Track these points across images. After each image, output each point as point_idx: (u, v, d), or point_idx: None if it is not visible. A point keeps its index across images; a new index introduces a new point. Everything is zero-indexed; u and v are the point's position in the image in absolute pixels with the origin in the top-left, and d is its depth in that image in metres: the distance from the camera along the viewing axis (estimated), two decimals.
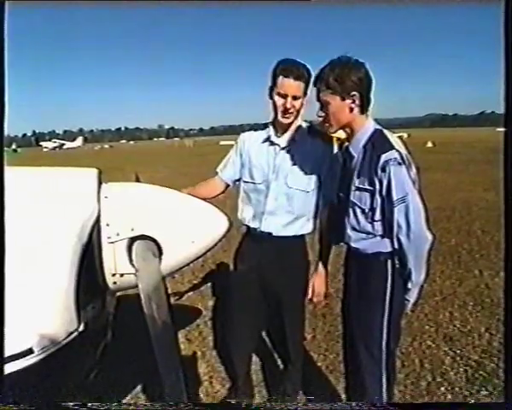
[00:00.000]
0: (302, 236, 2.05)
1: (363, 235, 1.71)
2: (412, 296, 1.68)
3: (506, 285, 1.43)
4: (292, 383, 2.26)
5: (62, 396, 1.40)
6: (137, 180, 1.86)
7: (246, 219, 2.08)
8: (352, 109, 1.66)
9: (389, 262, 1.67)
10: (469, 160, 16.67)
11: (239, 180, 2.12)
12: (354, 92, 1.63)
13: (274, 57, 1.93)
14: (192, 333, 3.24)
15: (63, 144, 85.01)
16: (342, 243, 1.84)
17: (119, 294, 1.78)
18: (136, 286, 1.47)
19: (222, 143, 40.36)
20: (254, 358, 2.54)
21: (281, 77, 1.84)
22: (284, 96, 1.86)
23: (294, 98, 1.86)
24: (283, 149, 1.99)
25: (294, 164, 1.96)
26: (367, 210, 1.67)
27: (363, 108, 1.68)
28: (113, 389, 2.34)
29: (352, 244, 1.76)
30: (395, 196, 1.57)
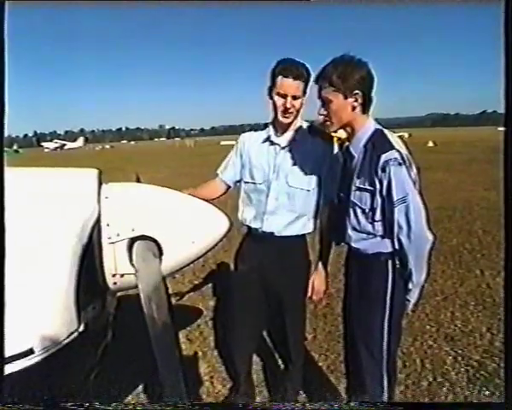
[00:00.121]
0: (303, 236, 2.05)
1: (364, 235, 1.70)
2: (413, 297, 1.68)
3: (506, 285, 1.43)
4: (293, 383, 2.26)
5: (63, 396, 1.40)
6: (138, 181, 1.86)
7: (247, 220, 2.08)
8: (354, 108, 1.66)
9: (390, 262, 1.67)
10: (471, 159, 16.65)
11: (240, 181, 2.12)
12: (357, 91, 1.62)
13: (274, 57, 1.92)
14: (193, 333, 3.24)
15: (64, 145, 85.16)
16: (343, 243, 1.84)
17: (119, 294, 1.79)
18: (137, 286, 1.47)
19: (223, 143, 40.39)
20: (255, 358, 2.54)
21: (280, 77, 1.84)
22: (284, 96, 1.86)
23: (294, 98, 1.86)
24: (283, 148, 1.99)
25: (295, 163, 1.96)
26: (367, 210, 1.66)
27: (365, 108, 1.68)
28: (113, 389, 2.34)
29: (353, 244, 1.75)
30: (395, 197, 1.56)
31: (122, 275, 1.51)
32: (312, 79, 1.76)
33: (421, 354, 2.85)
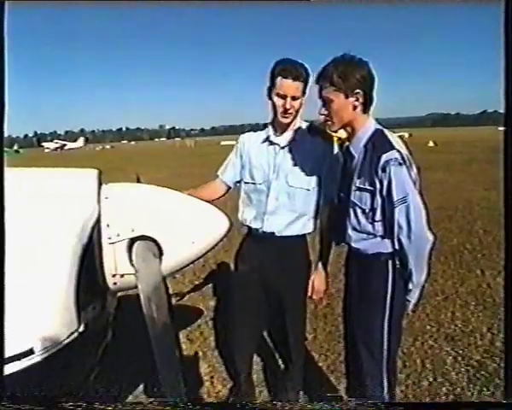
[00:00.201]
0: (304, 236, 2.05)
1: (364, 235, 1.70)
2: (413, 297, 1.67)
3: (506, 285, 1.43)
4: (293, 383, 2.26)
5: (63, 396, 1.40)
6: (138, 181, 1.86)
7: (247, 220, 2.08)
8: (355, 107, 1.66)
9: (390, 263, 1.66)
10: (471, 159, 16.64)
11: (240, 182, 2.12)
12: (358, 90, 1.62)
13: (274, 57, 1.93)
14: (193, 333, 3.24)
15: (65, 145, 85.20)
16: (343, 244, 1.84)
17: (119, 294, 1.79)
18: (137, 287, 1.47)
19: (223, 143, 40.40)
20: (255, 358, 2.54)
21: (279, 78, 1.85)
22: (283, 97, 1.87)
23: (293, 98, 1.87)
24: (283, 148, 1.99)
25: (295, 163, 1.97)
26: (367, 210, 1.66)
27: (366, 107, 1.68)
28: (113, 389, 2.34)
29: (353, 245, 1.75)
30: (396, 197, 1.56)
31: (122, 275, 1.51)
32: (313, 78, 1.76)
33: (421, 354, 2.85)
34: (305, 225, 2.02)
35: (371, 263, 1.70)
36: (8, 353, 1.26)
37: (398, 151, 1.58)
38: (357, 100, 1.65)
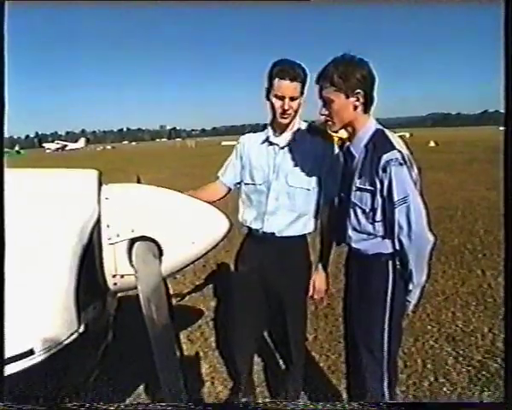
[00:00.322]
0: (304, 236, 2.05)
1: (364, 236, 1.70)
2: (413, 297, 1.67)
3: (506, 285, 1.42)
4: (293, 384, 2.26)
5: (63, 397, 1.40)
6: (139, 182, 1.86)
7: (247, 221, 2.09)
8: (355, 107, 1.66)
9: (390, 263, 1.66)
10: (472, 159, 16.62)
11: (240, 183, 2.13)
12: (358, 90, 1.62)
13: (275, 57, 1.93)
14: (194, 334, 3.24)
15: (66, 146, 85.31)
16: (343, 244, 1.84)
17: (119, 295, 1.79)
18: (137, 287, 1.47)
19: (224, 143, 40.38)
20: (256, 358, 2.54)
21: (277, 79, 1.85)
22: (282, 98, 1.87)
23: (292, 99, 1.87)
24: (283, 148, 1.99)
25: (294, 163, 1.97)
26: (368, 211, 1.66)
27: (367, 107, 1.68)
28: (113, 389, 2.34)
29: (353, 245, 1.75)
30: (396, 197, 1.56)
31: (122, 276, 1.51)
32: (313, 79, 1.76)
33: (422, 354, 2.85)
34: (305, 225, 2.02)
35: (371, 263, 1.70)
36: (8, 353, 1.26)
37: (399, 151, 1.58)
38: (358, 100, 1.64)
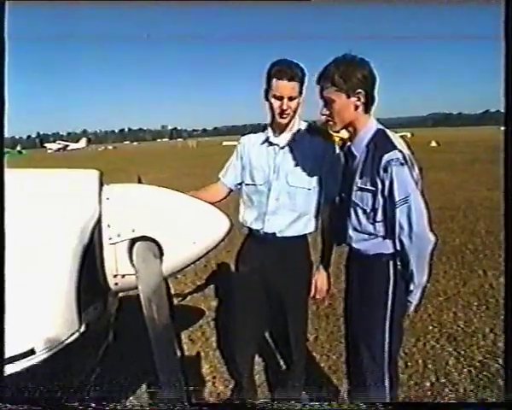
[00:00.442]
0: (305, 236, 2.05)
1: (365, 236, 1.70)
2: (414, 298, 1.67)
3: (506, 285, 1.42)
4: (294, 384, 2.26)
5: (63, 397, 1.40)
6: (139, 182, 1.86)
7: (248, 222, 2.09)
8: (356, 107, 1.65)
9: (391, 263, 1.66)
10: (473, 159, 16.59)
11: (241, 184, 2.13)
12: (359, 90, 1.62)
13: (276, 57, 1.93)
14: (195, 334, 3.24)
15: (67, 146, 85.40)
16: (344, 244, 1.84)
17: (120, 295, 1.79)
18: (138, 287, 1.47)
19: (225, 143, 40.39)
20: (257, 358, 2.54)
21: (275, 79, 1.86)
22: (280, 98, 1.88)
23: (290, 99, 1.88)
24: (282, 148, 2.00)
25: (294, 162, 1.97)
26: (369, 211, 1.66)
27: (368, 107, 1.68)
28: (114, 389, 2.34)
29: (354, 245, 1.75)
30: (397, 197, 1.56)
31: (123, 276, 1.51)
32: (314, 79, 1.76)
33: (423, 354, 2.84)
34: (306, 225, 2.02)
35: (372, 264, 1.70)
36: (9, 353, 1.26)
37: (400, 151, 1.58)
38: (359, 100, 1.64)
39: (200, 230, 1.56)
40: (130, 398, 2.36)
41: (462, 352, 2.85)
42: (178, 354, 1.52)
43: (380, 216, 1.64)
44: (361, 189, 1.67)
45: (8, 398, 1.32)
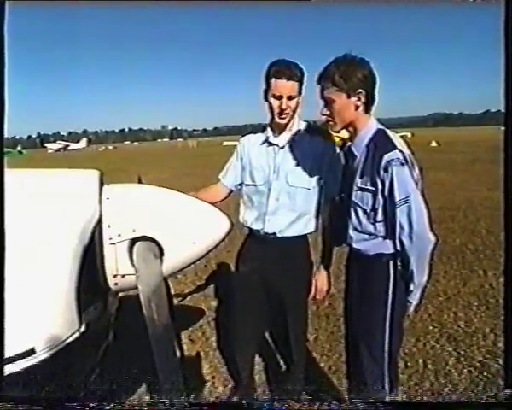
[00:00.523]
0: (305, 236, 2.05)
1: (365, 236, 1.70)
2: (414, 298, 1.67)
3: (506, 285, 1.42)
4: (294, 384, 2.26)
5: (63, 397, 1.40)
6: (140, 182, 1.86)
7: (248, 222, 2.09)
8: (357, 107, 1.65)
9: (391, 264, 1.66)
10: (474, 159, 16.58)
11: (241, 184, 2.13)
12: (360, 90, 1.62)
13: (276, 57, 1.93)
14: (195, 333, 3.24)
15: (67, 146, 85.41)
16: (345, 245, 1.84)
17: (120, 295, 1.79)
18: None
19: (225, 143, 40.38)
20: (257, 358, 2.54)
21: (273, 79, 1.86)
22: (279, 98, 1.88)
23: (289, 98, 1.88)
24: (282, 148, 2.00)
25: (294, 162, 1.97)
26: (369, 211, 1.66)
27: (368, 107, 1.68)
28: (114, 389, 2.34)
29: (354, 245, 1.75)
30: (397, 197, 1.56)
31: (123, 276, 1.51)
32: (314, 79, 1.76)
33: (423, 354, 2.84)
34: (306, 225, 2.02)
35: (372, 264, 1.69)
36: (9, 353, 1.27)
37: (401, 151, 1.58)
38: (360, 100, 1.64)
39: (200, 230, 1.56)
40: (131, 398, 2.36)
41: (463, 352, 2.85)
42: (178, 354, 1.53)
43: (380, 216, 1.64)
44: (361, 189, 1.67)
45: (8, 398, 1.32)
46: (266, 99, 1.94)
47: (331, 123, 1.73)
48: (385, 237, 1.66)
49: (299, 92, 1.90)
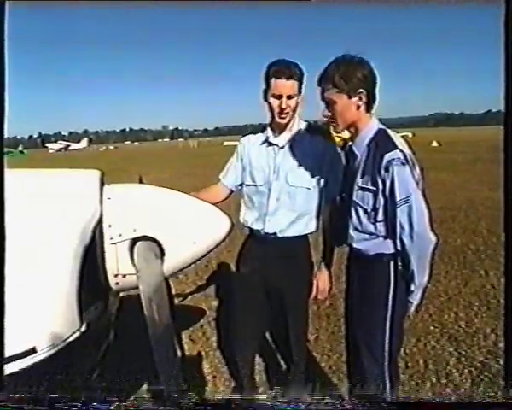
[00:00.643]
0: (306, 236, 2.05)
1: (366, 236, 1.69)
2: (415, 298, 1.66)
3: (506, 285, 1.42)
4: (295, 384, 2.26)
5: (64, 396, 1.40)
6: (141, 182, 1.87)
7: (248, 222, 2.09)
8: (358, 107, 1.65)
9: (392, 264, 1.65)
10: (475, 159, 16.56)
11: (242, 185, 2.13)
12: (361, 89, 1.62)
13: (276, 57, 1.93)
14: (196, 333, 3.25)
15: (68, 146, 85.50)
16: (345, 245, 1.83)
17: (121, 294, 1.79)
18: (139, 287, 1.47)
19: (226, 143, 40.37)
20: (257, 358, 2.54)
21: (273, 79, 1.86)
22: (279, 97, 1.88)
23: (289, 98, 1.88)
24: (282, 148, 2.00)
25: (294, 162, 1.97)
26: (369, 210, 1.65)
27: (369, 106, 1.68)
28: (115, 389, 2.34)
29: (354, 245, 1.75)
30: (398, 197, 1.55)
31: (124, 275, 1.51)
32: (315, 80, 1.76)
33: (424, 354, 2.84)
34: (307, 225, 2.02)
35: (373, 264, 1.69)
36: (10, 352, 1.27)
37: (401, 151, 1.58)
38: (361, 99, 1.64)
39: (200, 230, 1.56)
40: (131, 397, 2.36)
41: (463, 352, 2.84)
42: (179, 353, 1.53)
43: (381, 216, 1.64)
44: (362, 188, 1.67)
45: (8, 397, 1.33)
46: (266, 99, 1.95)
47: (333, 124, 1.73)
48: (385, 237, 1.65)
49: (299, 91, 1.90)
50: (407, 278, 1.64)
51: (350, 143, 1.78)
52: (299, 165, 1.97)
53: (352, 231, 1.74)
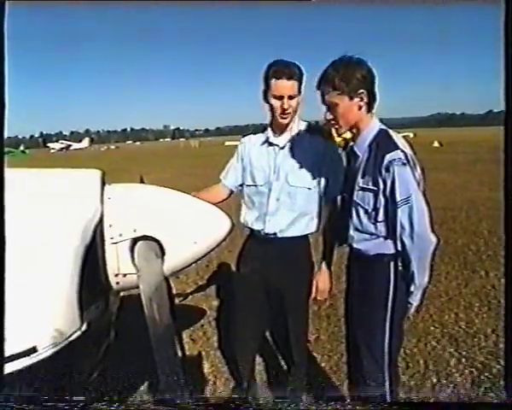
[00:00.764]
0: (306, 236, 2.05)
1: (366, 236, 1.69)
2: (415, 299, 1.66)
3: (506, 285, 1.42)
4: (295, 384, 2.26)
5: (64, 396, 1.41)
6: (142, 182, 1.87)
7: (249, 222, 2.09)
8: (360, 107, 1.66)
9: (392, 264, 1.66)
10: (476, 159, 16.54)
11: (242, 185, 2.13)
12: (361, 90, 1.62)
13: (276, 57, 1.94)
14: (196, 333, 3.25)
15: (70, 145, 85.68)
16: (346, 245, 1.83)
17: (122, 294, 1.79)
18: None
19: (227, 143, 40.38)
20: (258, 358, 2.54)
21: (274, 79, 1.86)
22: (280, 98, 1.88)
23: (290, 98, 1.88)
24: (282, 148, 2.00)
25: (294, 162, 1.97)
26: (370, 210, 1.66)
27: (370, 106, 1.68)
28: (115, 389, 2.35)
29: (355, 245, 1.75)
30: (399, 197, 1.56)
31: (125, 275, 1.51)
32: (315, 82, 1.76)
33: (424, 355, 2.84)
34: (307, 225, 2.02)
35: (373, 264, 1.69)
36: (10, 351, 1.27)
37: (403, 151, 1.58)
38: (362, 100, 1.65)
39: (201, 229, 1.56)
40: (131, 397, 2.37)
41: (464, 353, 2.84)
42: (179, 353, 1.53)
43: (381, 216, 1.64)
44: (363, 188, 1.67)
45: (9, 397, 1.33)
46: (266, 100, 1.95)
47: (336, 126, 1.73)
48: (386, 238, 1.65)
49: (299, 91, 1.90)
50: (407, 279, 1.64)
51: (351, 143, 1.78)
52: (300, 165, 1.97)
53: (352, 232, 1.74)
